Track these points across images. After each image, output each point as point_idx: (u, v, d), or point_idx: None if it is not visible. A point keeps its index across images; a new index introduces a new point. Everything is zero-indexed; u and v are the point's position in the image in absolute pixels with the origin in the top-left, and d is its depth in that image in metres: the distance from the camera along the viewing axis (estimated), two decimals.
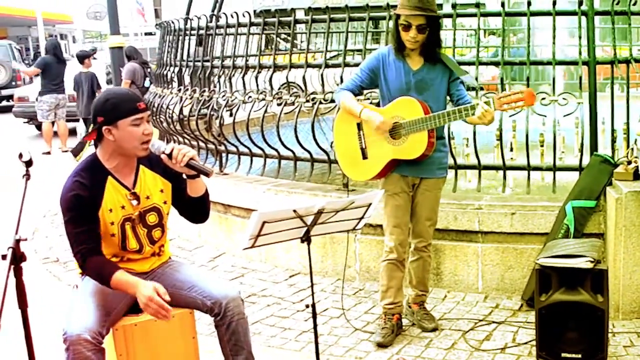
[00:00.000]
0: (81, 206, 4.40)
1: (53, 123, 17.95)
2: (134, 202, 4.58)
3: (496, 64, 7.73)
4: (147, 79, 16.36)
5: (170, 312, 4.31)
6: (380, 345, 5.92)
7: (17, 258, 3.72)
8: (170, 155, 4.39)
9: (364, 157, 5.88)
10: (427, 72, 5.73)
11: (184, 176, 4.61)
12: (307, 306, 4.74)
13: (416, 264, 6.13)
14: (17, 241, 3.75)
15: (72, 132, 19.46)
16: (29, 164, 4.20)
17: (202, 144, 9.53)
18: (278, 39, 9.02)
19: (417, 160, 5.71)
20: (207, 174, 4.47)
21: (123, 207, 4.55)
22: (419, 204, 5.95)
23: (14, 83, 32.38)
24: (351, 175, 6.16)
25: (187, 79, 10.18)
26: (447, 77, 5.77)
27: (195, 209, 4.80)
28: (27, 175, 4.19)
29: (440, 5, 7.91)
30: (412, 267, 6.17)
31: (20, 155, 4.20)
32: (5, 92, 31.14)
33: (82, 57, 17.68)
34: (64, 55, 18.87)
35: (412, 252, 6.13)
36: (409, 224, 6.03)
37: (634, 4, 7.01)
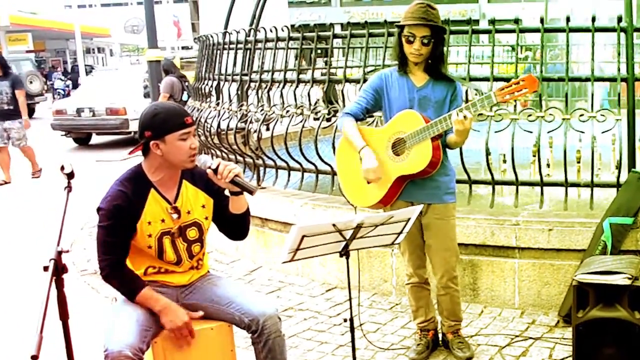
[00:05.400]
0: (120, 217, 4.45)
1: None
2: (174, 216, 4.61)
3: None
4: (185, 92, 16.39)
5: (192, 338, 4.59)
6: None
7: (59, 270, 3.74)
8: (216, 171, 4.43)
9: (369, 181, 5.72)
10: (431, 88, 5.58)
11: (227, 192, 4.65)
12: (345, 320, 4.76)
13: (443, 299, 5.96)
14: (59, 253, 3.76)
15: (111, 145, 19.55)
16: (70, 176, 4.24)
17: (239, 158, 9.57)
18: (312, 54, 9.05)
19: (423, 175, 5.52)
20: (251, 192, 4.49)
21: (163, 221, 4.59)
22: (431, 234, 5.77)
23: (43, 92, 35.00)
24: (356, 201, 5.91)
25: (225, 93, 10.22)
26: (451, 94, 5.59)
27: (236, 226, 4.83)
28: (69, 188, 4.23)
29: (477, 21, 7.89)
30: (440, 300, 6.00)
31: (62, 168, 4.24)
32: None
33: None
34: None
35: (437, 288, 5.95)
36: (423, 245, 5.88)
37: None
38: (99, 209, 4.53)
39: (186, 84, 16.58)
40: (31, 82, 35.53)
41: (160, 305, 4.52)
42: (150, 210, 4.54)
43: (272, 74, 9.18)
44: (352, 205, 6.02)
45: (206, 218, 4.75)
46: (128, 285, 4.54)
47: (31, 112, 34.32)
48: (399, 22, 5.53)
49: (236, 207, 4.69)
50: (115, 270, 4.51)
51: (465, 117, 5.15)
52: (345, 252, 4.59)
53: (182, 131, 4.43)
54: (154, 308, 4.51)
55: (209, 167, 4.46)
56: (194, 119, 10.38)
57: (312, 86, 8.70)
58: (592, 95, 7.07)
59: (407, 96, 5.59)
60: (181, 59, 18.92)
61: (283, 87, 8.93)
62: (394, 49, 5.68)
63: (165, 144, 4.43)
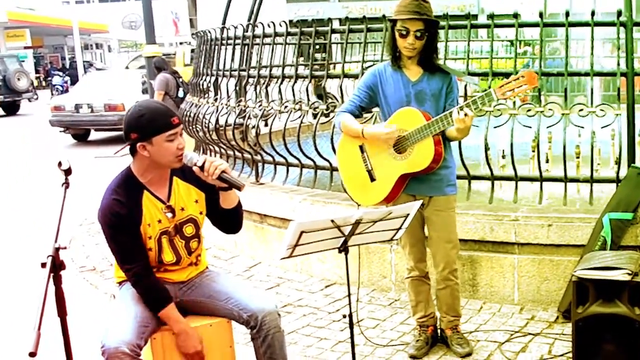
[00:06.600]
0: (123, 224, 4.43)
1: None
2: (169, 215, 4.59)
3: None
4: (180, 88, 16.34)
5: None
6: (414, 358, 5.90)
7: (57, 266, 3.72)
8: (202, 168, 4.39)
9: (372, 179, 5.68)
10: (427, 82, 5.56)
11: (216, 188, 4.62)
12: (344, 316, 4.74)
13: (443, 293, 5.95)
14: (57, 249, 3.75)
15: (110, 141, 19.52)
16: (67, 172, 4.21)
17: (238, 154, 9.55)
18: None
19: (426, 172, 5.52)
20: (239, 188, 4.44)
21: (159, 221, 4.57)
22: (433, 226, 5.78)
23: (31, 89, 37.56)
24: (361, 200, 5.90)
25: (223, 88, 10.19)
26: (447, 87, 5.58)
27: (228, 220, 4.80)
28: (66, 184, 4.20)
29: (475, 16, 7.85)
30: (440, 294, 5.98)
31: (60, 164, 4.21)
32: None
33: None
34: None
35: (437, 281, 5.94)
36: (424, 239, 5.91)
37: None
38: (99, 221, 4.52)
39: (180, 80, 16.53)
40: (19, 79, 36.26)
41: (178, 328, 4.52)
42: (148, 212, 4.52)
43: (270, 70, 9.15)
44: (357, 204, 6.01)
45: (200, 213, 4.73)
46: (152, 297, 4.53)
47: (16, 108, 35.43)
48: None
49: (227, 203, 4.64)
50: (140, 279, 4.51)
51: (466, 114, 5.15)
52: (344, 248, 4.57)
53: (169, 132, 4.37)
54: (173, 328, 4.52)
55: (195, 164, 4.42)
56: (193, 114, 10.42)
57: (310, 82, 8.68)
58: (592, 90, 7.05)
59: (403, 91, 5.57)
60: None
61: (281, 82, 8.90)
62: (387, 43, 5.67)
63: (153, 146, 4.37)
